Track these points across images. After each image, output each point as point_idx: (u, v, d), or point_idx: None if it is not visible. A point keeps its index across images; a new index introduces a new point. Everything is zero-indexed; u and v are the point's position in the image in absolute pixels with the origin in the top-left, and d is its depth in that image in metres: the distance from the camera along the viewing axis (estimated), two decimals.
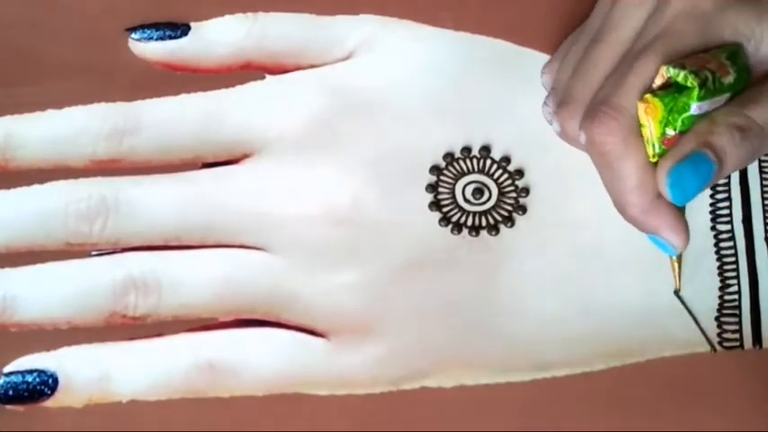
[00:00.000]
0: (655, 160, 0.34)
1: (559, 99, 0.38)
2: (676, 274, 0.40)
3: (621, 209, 0.36)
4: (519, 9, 0.42)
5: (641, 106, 0.34)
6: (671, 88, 0.34)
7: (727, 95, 0.34)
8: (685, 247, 0.36)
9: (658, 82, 0.34)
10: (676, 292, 0.41)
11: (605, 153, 0.35)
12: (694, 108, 0.34)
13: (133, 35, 0.42)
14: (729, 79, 0.34)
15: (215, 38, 0.42)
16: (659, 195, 0.35)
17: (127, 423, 0.41)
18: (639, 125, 0.34)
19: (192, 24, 0.42)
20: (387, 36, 0.42)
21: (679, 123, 0.34)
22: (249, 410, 0.41)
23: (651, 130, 0.34)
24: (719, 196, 0.41)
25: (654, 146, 0.34)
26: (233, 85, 0.42)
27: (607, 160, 0.35)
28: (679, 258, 0.40)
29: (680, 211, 0.36)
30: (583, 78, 0.37)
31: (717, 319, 0.41)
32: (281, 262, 0.41)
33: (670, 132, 0.34)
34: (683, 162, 0.33)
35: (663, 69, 0.34)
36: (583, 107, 0.36)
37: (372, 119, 0.42)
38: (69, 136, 0.41)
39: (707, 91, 0.33)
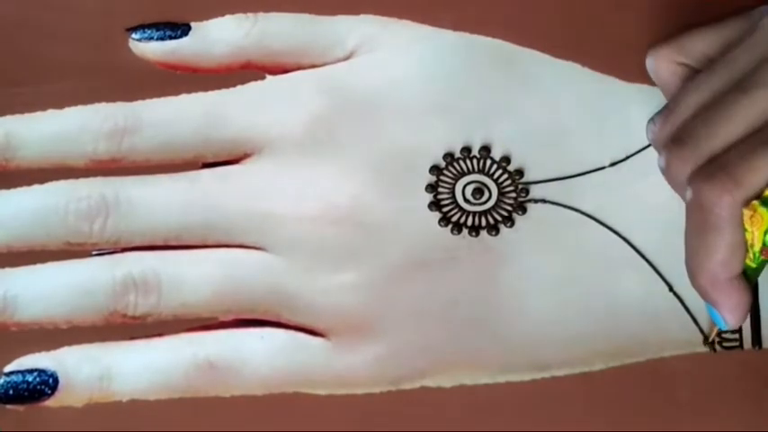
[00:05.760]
0: (750, 264, 0.35)
1: (674, 132, 0.36)
2: (712, 333, 0.41)
3: (693, 272, 0.36)
4: (519, 9, 0.42)
5: (747, 213, 0.34)
6: None
7: None
8: (737, 326, 0.37)
9: None
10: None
11: (705, 220, 0.34)
12: None
13: (133, 35, 0.42)
14: None
15: (215, 38, 0.42)
16: (735, 277, 0.35)
17: (127, 423, 0.41)
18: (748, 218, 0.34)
19: (192, 24, 0.42)
20: (387, 36, 0.42)
21: None
22: (249, 410, 0.41)
23: (754, 238, 0.34)
24: None
25: (754, 254, 0.35)
26: (233, 85, 0.42)
27: (704, 226, 0.34)
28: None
29: (749, 292, 0.36)
30: (710, 125, 0.35)
31: None
32: (281, 262, 0.41)
33: None
34: None
35: None
36: (699, 158, 0.35)
37: (372, 119, 0.42)
38: (70, 135, 0.41)
39: None
